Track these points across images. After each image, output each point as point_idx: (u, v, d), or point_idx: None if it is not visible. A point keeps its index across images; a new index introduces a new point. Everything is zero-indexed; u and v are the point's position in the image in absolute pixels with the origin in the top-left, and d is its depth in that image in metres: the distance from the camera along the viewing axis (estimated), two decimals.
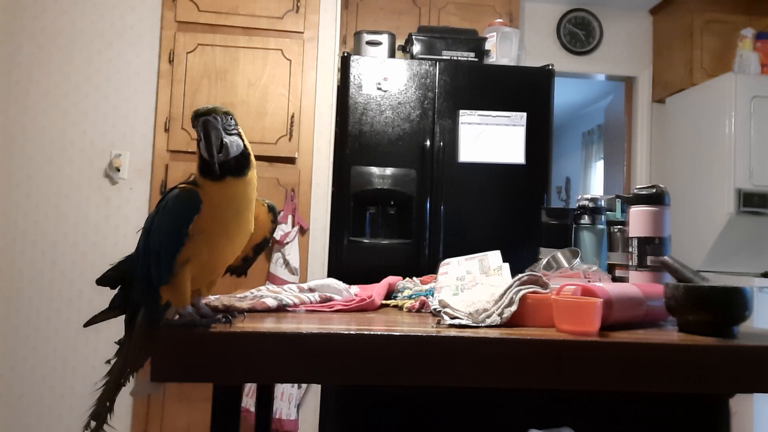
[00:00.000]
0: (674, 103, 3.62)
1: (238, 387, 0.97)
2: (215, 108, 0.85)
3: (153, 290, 0.87)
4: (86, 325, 0.95)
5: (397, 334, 0.85)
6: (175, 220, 0.85)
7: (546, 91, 2.74)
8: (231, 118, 0.87)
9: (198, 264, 0.87)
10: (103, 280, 0.94)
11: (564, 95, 5.29)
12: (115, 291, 0.95)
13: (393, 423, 1.11)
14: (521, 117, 2.69)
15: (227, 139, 0.86)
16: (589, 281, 1.13)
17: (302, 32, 2.68)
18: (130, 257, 0.93)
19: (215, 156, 0.84)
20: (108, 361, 0.94)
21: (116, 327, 0.95)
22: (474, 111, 2.67)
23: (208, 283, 0.95)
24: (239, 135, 0.89)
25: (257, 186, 0.93)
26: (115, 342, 0.94)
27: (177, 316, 0.88)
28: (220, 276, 0.97)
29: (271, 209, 1.02)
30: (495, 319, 0.96)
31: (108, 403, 0.92)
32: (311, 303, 1.12)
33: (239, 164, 0.87)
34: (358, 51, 2.78)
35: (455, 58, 2.75)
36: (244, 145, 0.89)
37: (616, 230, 1.54)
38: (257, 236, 1.00)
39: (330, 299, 1.16)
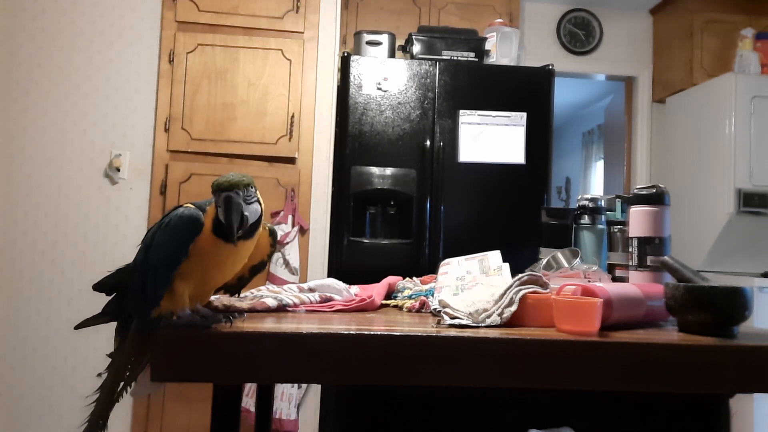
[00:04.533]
0: (674, 103, 3.62)
1: (238, 387, 0.97)
2: (238, 183, 0.86)
3: (147, 303, 0.86)
4: (77, 327, 0.94)
5: (397, 334, 0.85)
6: (176, 238, 0.86)
7: (546, 91, 2.74)
8: (252, 188, 0.88)
9: (191, 282, 0.88)
10: (99, 287, 0.93)
11: (564, 95, 5.29)
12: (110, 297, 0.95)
13: (393, 423, 1.11)
14: (521, 117, 2.69)
15: (247, 211, 0.87)
16: (589, 281, 1.13)
17: (302, 32, 2.68)
18: (128, 266, 0.93)
19: (235, 233, 0.85)
20: (99, 375, 0.92)
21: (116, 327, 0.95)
22: (474, 111, 2.68)
23: (203, 294, 0.94)
24: (258, 201, 0.90)
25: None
26: (107, 355, 0.92)
27: (175, 318, 0.88)
28: (211, 295, 0.97)
29: (272, 233, 1.02)
30: (495, 319, 0.96)
31: (101, 421, 0.90)
32: (311, 303, 1.12)
33: (252, 228, 0.90)
34: (358, 51, 2.78)
35: (455, 58, 2.75)
36: (261, 210, 0.90)
37: (616, 230, 1.54)
38: (255, 258, 1.00)
39: (330, 299, 1.16)
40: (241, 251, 0.91)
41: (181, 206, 0.90)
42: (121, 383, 0.91)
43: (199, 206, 0.90)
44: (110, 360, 0.92)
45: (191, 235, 0.85)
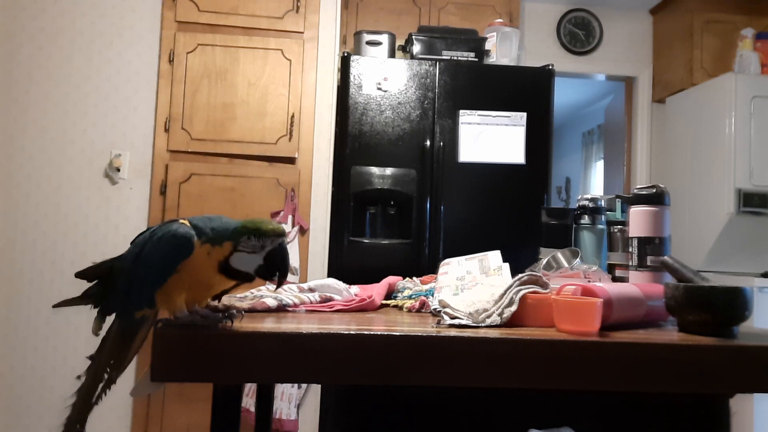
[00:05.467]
0: (674, 103, 3.62)
1: (238, 387, 0.97)
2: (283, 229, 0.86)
3: (131, 306, 0.85)
4: (56, 306, 0.92)
5: (397, 334, 0.85)
6: (165, 255, 0.84)
7: (546, 91, 2.74)
8: None
9: (180, 291, 0.87)
10: (82, 275, 0.90)
11: (564, 95, 5.28)
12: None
13: (393, 423, 1.11)
14: (521, 117, 2.69)
15: None
16: (589, 281, 1.13)
17: (302, 32, 2.68)
18: (115, 260, 0.90)
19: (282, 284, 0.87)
20: (78, 377, 0.89)
21: None
22: (474, 111, 2.67)
23: (199, 298, 0.92)
24: None
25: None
26: (87, 357, 0.90)
27: (174, 318, 0.87)
28: (207, 299, 0.96)
29: None
30: (495, 319, 0.96)
31: (78, 426, 0.87)
32: (311, 303, 1.12)
33: None
34: (358, 51, 2.78)
35: (455, 58, 2.75)
36: None
37: (616, 230, 1.54)
38: None
39: (330, 299, 1.16)
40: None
41: (176, 221, 0.87)
42: (100, 386, 0.88)
43: (195, 225, 0.86)
44: (90, 362, 0.89)
45: (181, 257, 0.83)
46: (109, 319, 0.91)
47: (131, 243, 0.90)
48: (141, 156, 2.61)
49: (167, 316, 0.88)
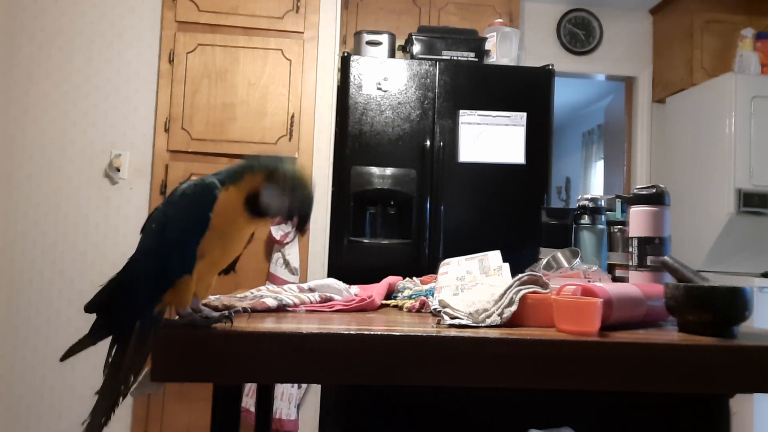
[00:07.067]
0: (674, 103, 3.62)
1: (238, 387, 0.97)
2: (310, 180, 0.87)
3: (158, 292, 0.84)
4: (63, 358, 0.89)
5: (397, 334, 0.85)
6: (197, 204, 0.84)
7: (546, 91, 2.74)
8: None
9: (210, 259, 0.86)
10: (91, 307, 0.88)
11: (564, 95, 5.29)
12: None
13: (393, 423, 1.11)
14: (521, 117, 2.69)
15: None
16: (589, 281, 1.13)
17: (302, 32, 2.68)
18: (115, 277, 0.89)
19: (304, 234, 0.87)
20: (97, 393, 0.86)
21: None
22: (474, 111, 2.67)
23: (205, 286, 0.93)
24: None
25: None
26: (105, 369, 0.87)
27: (176, 317, 0.87)
28: (212, 285, 0.95)
29: None
30: (495, 319, 0.96)
31: None
32: (311, 303, 1.12)
33: None
34: (358, 51, 2.78)
35: (455, 58, 2.75)
36: None
37: (616, 230, 1.54)
38: None
39: (330, 299, 1.16)
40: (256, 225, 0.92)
41: (185, 181, 0.88)
42: (117, 399, 0.86)
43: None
44: (105, 378, 0.87)
45: (211, 201, 0.83)
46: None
47: (141, 231, 0.89)
48: (141, 156, 2.61)
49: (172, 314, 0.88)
